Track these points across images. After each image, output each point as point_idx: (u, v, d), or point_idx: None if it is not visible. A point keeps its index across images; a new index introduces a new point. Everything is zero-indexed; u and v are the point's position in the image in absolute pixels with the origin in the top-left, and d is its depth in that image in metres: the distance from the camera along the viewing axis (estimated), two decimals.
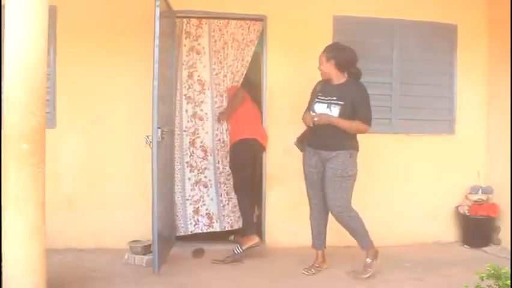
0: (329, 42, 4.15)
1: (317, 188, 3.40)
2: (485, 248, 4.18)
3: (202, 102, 4.15)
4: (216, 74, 4.14)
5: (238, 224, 4.18)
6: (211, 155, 4.17)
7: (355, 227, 3.34)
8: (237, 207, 4.11)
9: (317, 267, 3.48)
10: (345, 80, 3.36)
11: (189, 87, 4.13)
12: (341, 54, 3.33)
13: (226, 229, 4.21)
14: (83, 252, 3.83)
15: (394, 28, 4.24)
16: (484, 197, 4.29)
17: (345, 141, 3.29)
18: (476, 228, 4.27)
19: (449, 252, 4.10)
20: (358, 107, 3.27)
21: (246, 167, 3.93)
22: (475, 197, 4.30)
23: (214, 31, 4.13)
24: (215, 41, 4.13)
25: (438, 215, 4.35)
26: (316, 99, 3.38)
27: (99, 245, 3.93)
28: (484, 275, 1.99)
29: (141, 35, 3.80)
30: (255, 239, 3.74)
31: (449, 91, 4.42)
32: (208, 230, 4.17)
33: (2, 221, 2.45)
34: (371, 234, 3.90)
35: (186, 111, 4.15)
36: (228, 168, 4.13)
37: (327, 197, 3.31)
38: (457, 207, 4.39)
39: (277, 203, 4.11)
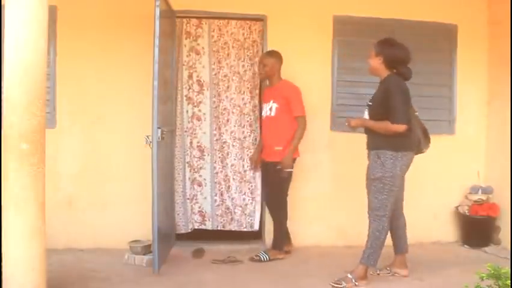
0: (329, 42, 4.20)
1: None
2: (485, 248, 4.18)
3: (200, 102, 4.15)
4: (215, 74, 4.14)
5: (230, 226, 4.19)
6: (208, 155, 4.17)
7: (371, 233, 3.17)
8: (230, 209, 4.16)
9: (388, 270, 3.40)
10: (385, 76, 3.20)
11: (189, 88, 4.14)
12: (390, 52, 3.18)
13: (218, 228, 4.20)
14: (83, 252, 3.83)
15: (394, 28, 4.24)
16: (484, 197, 4.29)
17: (377, 140, 3.15)
18: (476, 228, 4.27)
19: (449, 252, 4.10)
20: (389, 104, 3.07)
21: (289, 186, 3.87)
22: (475, 197, 4.30)
23: (214, 31, 4.13)
24: (215, 41, 4.13)
25: (438, 215, 4.35)
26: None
27: (99, 245, 3.93)
28: (484, 275, 1.99)
29: (141, 35, 3.80)
30: (283, 254, 3.81)
31: (449, 91, 4.42)
32: (200, 227, 4.19)
33: (2, 221, 2.45)
34: None
35: (187, 111, 4.15)
36: (226, 168, 4.14)
37: None
38: (457, 207, 4.39)
39: None
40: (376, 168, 3.12)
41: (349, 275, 3.19)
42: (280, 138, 3.73)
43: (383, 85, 3.18)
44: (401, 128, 3.04)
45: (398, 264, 3.42)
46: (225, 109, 4.16)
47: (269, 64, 3.76)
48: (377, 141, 3.16)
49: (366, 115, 3.25)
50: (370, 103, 3.21)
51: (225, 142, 4.17)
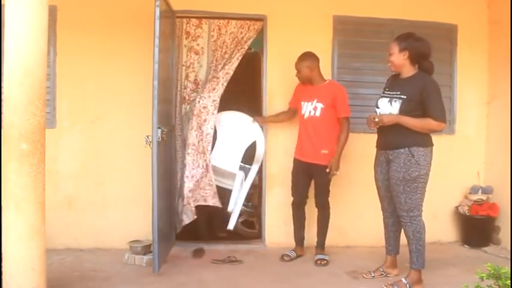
0: (329, 42, 4.19)
1: (382, 193, 3.31)
2: (485, 248, 4.18)
3: (193, 100, 4.11)
4: (211, 71, 4.12)
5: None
6: (192, 150, 3.97)
7: (412, 236, 3.10)
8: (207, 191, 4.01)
9: (381, 271, 3.38)
10: (414, 73, 3.11)
11: (185, 88, 4.12)
12: (416, 46, 3.08)
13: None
14: (83, 252, 3.83)
15: (394, 28, 4.23)
16: (484, 197, 4.29)
17: (406, 138, 3.03)
18: (476, 228, 4.27)
19: (449, 252, 4.10)
20: (427, 103, 2.99)
21: None
22: (475, 197, 4.30)
23: (213, 31, 4.12)
24: (214, 41, 4.12)
25: (438, 215, 4.34)
26: (382, 94, 3.21)
27: (99, 245, 3.93)
28: (484, 275, 1.99)
29: (141, 35, 3.80)
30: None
31: (449, 91, 4.42)
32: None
33: (2, 221, 2.46)
34: (372, 234, 3.92)
35: (186, 111, 4.15)
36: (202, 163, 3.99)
37: (394, 201, 3.18)
38: (456, 207, 4.39)
39: (277, 203, 4.11)
40: (411, 168, 3.01)
41: (403, 280, 3.13)
42: (326, 141, 3.68)
43: (418, 82, 3.05)
44: (442, 125, 3.02)
45: (389, 264, 3.40)
46: (204, 107, 3.96)
47: (300, 69, 3.76)
48: (405, 139, 3.04)
49: (391, 107, 3.08)
50: (403, 96, 3.03)
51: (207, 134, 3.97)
